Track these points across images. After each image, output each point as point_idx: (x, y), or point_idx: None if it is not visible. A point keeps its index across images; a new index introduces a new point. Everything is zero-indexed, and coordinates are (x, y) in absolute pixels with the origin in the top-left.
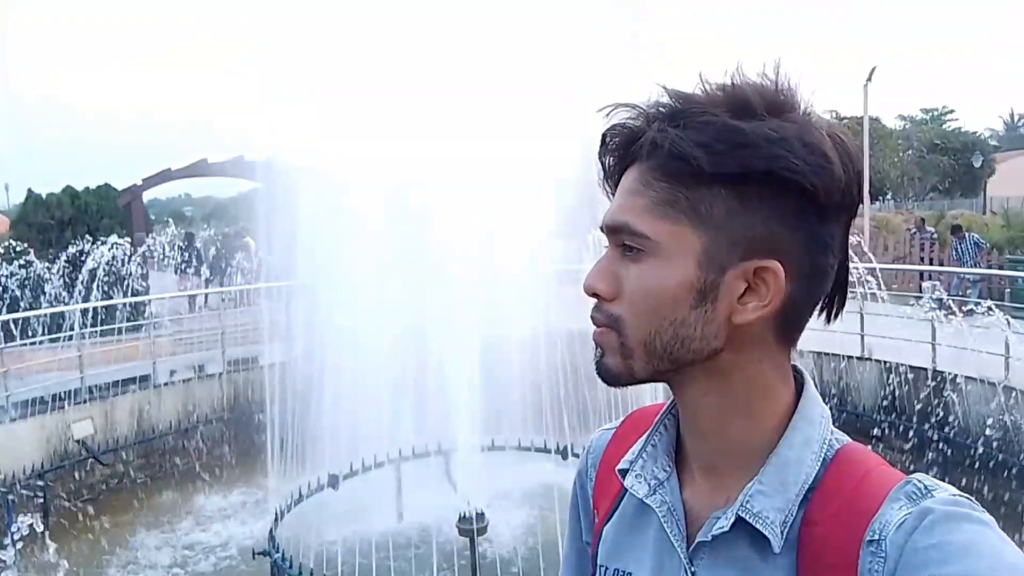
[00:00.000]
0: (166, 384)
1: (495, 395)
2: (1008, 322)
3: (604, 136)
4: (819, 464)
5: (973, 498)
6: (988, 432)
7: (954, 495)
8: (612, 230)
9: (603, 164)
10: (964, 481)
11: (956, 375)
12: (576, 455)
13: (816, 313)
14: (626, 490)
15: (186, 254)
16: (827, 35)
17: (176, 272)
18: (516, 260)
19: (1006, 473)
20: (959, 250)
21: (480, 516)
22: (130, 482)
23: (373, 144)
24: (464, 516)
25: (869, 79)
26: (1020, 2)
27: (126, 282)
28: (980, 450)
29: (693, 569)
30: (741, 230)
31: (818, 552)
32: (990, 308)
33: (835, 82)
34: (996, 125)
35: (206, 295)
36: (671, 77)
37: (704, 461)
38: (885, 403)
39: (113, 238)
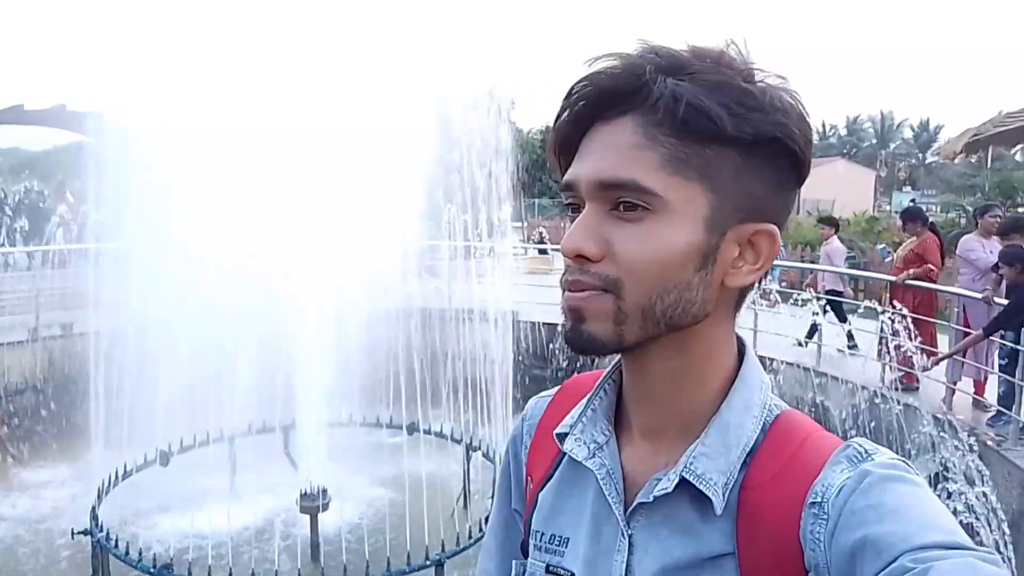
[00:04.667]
0: None
1: (342, 370)
2: (821, 312)
3: (583, 83)
4: (759, 428)
5: (909, 462)
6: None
7: (892, 458)
8: (609, 186)
9: (570, 113)
10: None
11: (774, 359)
12: (428, 432)
13: None
14: (563, 455)
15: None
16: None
17: None
18: (366, 235)
19: None
20: None
21: (323, 493)
22: None
23: (220, 106)
24: (306, 493)
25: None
26: (835, 24)
27: None
28: None
29: (630, 532)
30: (744, 194)
31: (758, 514)
32: (805, 301)
33: None
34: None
35: (28, 254)
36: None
37: (648, 425)
38: None
39: None
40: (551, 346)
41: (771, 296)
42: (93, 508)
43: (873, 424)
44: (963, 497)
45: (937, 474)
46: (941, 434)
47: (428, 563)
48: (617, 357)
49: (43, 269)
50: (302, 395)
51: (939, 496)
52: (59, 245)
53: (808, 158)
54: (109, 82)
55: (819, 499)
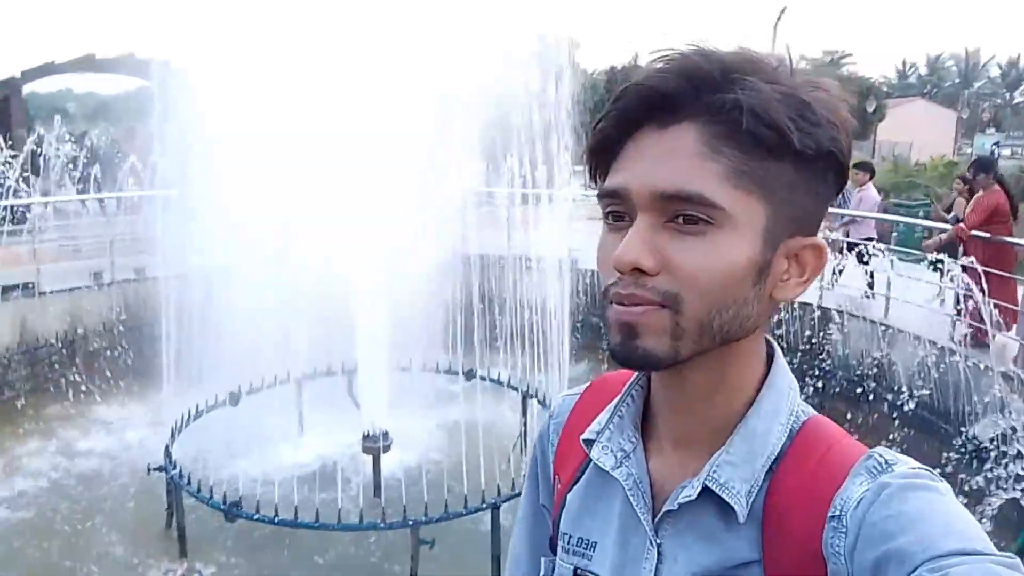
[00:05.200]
0: (51, 292)
1: (402, 316)
2: (892, 264)
3: (636, 85)
4: (786, 435)
5: (932, 470)
6: (865, 366)
7: (913, 468)
8: (670, 198)
9: (617, 114)
10: (839, 411)
11: (841, 311)
12: (483, 378)
13: None
14: (591, 458)
15: (78, 155)
16: None
17: (65, 175)
18: (426, 179)
19: (880, 405)
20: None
21: (384, 435)
22: (14, 394)
23: (279, 51)
24: (368, 435)
25: (779, 19)
26: None
27: (6, 183)
28: (857, 383)
29: (659, 540)
30: (797, 207)
31: (783, 524)
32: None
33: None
34: (889, 73)
35: (100, 200)
36: None
37: (678, 433)
38: (774, 337)
39: None
40: None
41: (840, 248)
42: (167, 447)
43: (939, 382)
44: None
45: (1003, 435)
46: (1011, 393)
47: (484, 506)
48: None
49: (116, 215)
50: (364, 340)
51: (1005, 459)
52: (131, 192)
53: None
54: (174, 31)
55: (838, 512)
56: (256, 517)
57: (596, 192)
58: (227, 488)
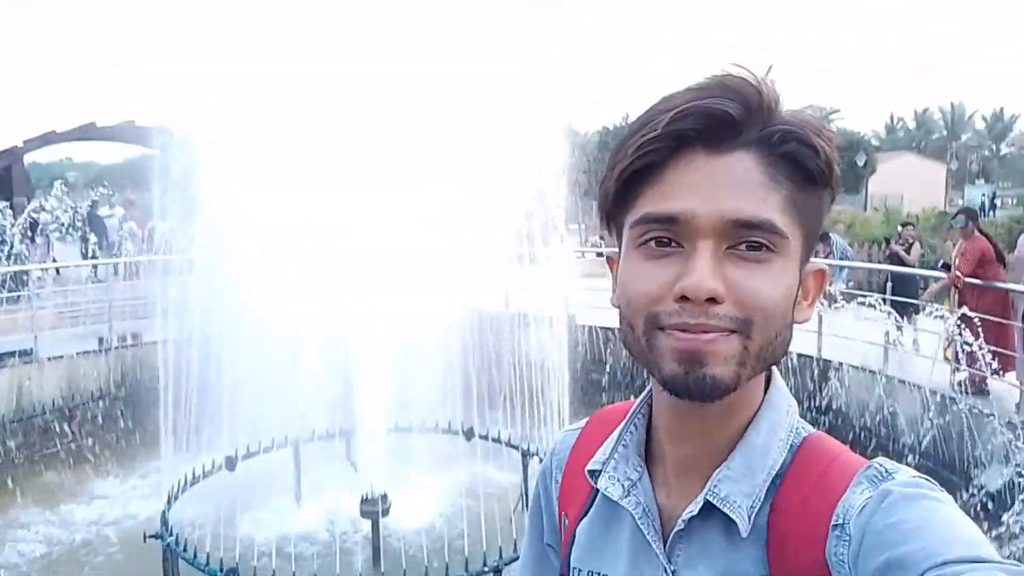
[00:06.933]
0: (49, 359)
1: (401, 376)
2: (889, 313)
3: (685, 107)
4: (786, 451)
5: (931, 479)
6: (866, 417)
7: (914, 476)
8: (744, 225)
9: (667, 135)
10: None
11: (841, 363)
12: (483, 437)
13: None
14: (597, 491)
15: (80, 223)
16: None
17: (56, 240)
18: (425, 243)
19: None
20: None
21: (383, 498)
22: (9, 462)
23: (283, 117)
24: (367, 498)
25: (766, 76)
26: (897, 20)
27: (7, 250)
28: (859, 434)
29: (672, 568)
30: (814, 234)
31: (787, 538)
32: (871, 303)
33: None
34: (878, 127)
35: (95, 266)
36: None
37: (686, 459)
38: None
39: None
40: (607, 350)
41: (837, 298)
42: (163, 513)
43: (941, 430)
44: None
45: (1011, 483)
46: (1015, 442)
47: (486, 569)
48: (647, 388)
49: (114, 280)
50: (363, 401)
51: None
52: (128, 257)
53: None
54: (175, 97)
55: (841, 521)
56: None
57: (639, 217)
58: (224, 555)
